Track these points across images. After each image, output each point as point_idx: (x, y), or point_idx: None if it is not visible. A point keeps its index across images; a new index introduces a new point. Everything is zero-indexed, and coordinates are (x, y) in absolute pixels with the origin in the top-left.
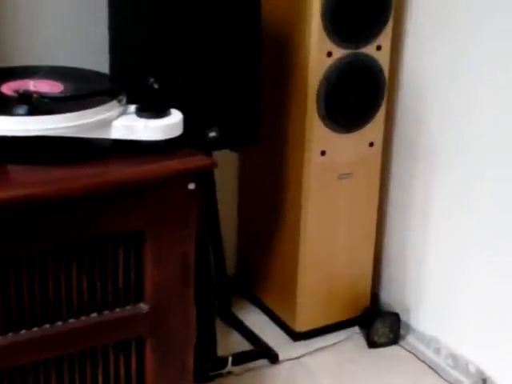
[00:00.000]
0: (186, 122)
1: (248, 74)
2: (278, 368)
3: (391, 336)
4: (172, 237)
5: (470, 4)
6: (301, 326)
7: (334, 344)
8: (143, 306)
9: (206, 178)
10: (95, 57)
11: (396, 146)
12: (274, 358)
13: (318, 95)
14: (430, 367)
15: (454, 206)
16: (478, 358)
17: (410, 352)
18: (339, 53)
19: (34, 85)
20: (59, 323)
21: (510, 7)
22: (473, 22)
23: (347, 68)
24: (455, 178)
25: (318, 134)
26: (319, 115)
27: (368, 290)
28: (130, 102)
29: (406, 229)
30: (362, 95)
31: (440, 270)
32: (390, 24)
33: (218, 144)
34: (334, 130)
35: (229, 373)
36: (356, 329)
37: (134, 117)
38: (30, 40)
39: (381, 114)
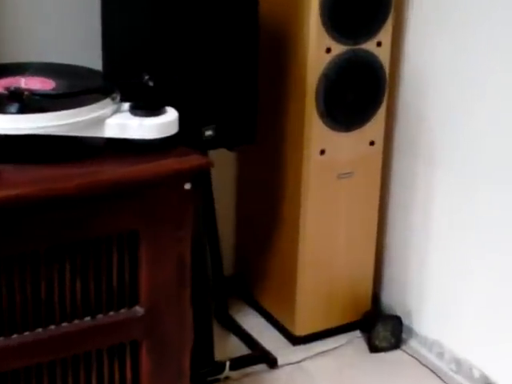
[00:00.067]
0: (182, 120)
1: (245, 70)
2: (277, 373)
3: (393, 340)
4: (168, 237)
5: None
6: (300, 330)
7: (335, 348)
8: (138, 309)
9: (202, 177)
10: (88, 53)
11: (397, 144)
12: (272, 363)
13: (316, 92)
14: (432, 372)
15: (456, 204)
16: (483, 362)
17: (413, 356)
18: (338, 49)
19: (25, 82)
20: (52, 327)
21: (511, 2)
22: (474, 17)
23: (346, 64)
24: (457, 175)
25: (316, 133)
26: (318, 113)
27: (369, 292)
28: (124, 99)
29: (407, 228)
30: (361, 92)
31: (443, 269)
32: (391, 20)
33: (214, 143)
34: (334, 128)
35: (226, 378)
36: (357, 333)
37: (128, 115)
38: (21, 37)
39: (381, 112)
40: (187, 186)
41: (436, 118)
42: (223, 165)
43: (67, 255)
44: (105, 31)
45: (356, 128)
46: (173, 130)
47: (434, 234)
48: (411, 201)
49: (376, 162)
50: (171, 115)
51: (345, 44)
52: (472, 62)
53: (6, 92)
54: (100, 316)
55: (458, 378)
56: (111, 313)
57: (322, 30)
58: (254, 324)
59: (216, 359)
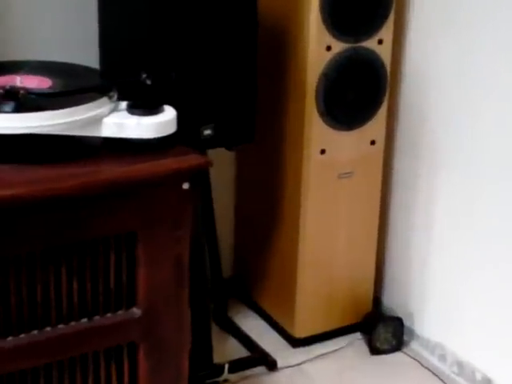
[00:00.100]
0: (180, 119)
1: (244, 68)
2: (276, 375)
3: (394, 342)
4: (166, 238)
5: None
6: (300, 332)
7: (335, 350)
8: (136, 311)
9: (200, 177)
10: (85, 51)
11: (398, 144)
12: (272, 365)
13: (316, 91)
14: (434, 374)
15: (458, 205)
16: (485, 365)
17: (414, 359)
18: (339, 47)
19: (20, 80)
20: (48, 329)
21: None
22: (478, 16)
23: (347, 62)
24: (459, 176)
25: (317, 132)
26: (318, 112)
27: (370, 293)
28: (121, 98)
29: (409, 229)
30: (362, 91)
31: (444, 271)
32: (392, 17)
33: (213, 142)
34: (334, 127)
35: (225, 381)
36: (357, 335)
37: (126, 114)
38: (18, 35)
39: (382, 111)
40: (186, 186)
41: (439, 119)
42: (222, 164)
43: (64, 256)
44: (102, 29)
45: (357, 127)
46: (171, 129)
47: (435, 235)
48: (413, 201)
49: (377, 161)
50: (169, 114)
51: (345, 42)
52: (475, 61)
53: (1, 91)
54: (97, 317)
55: (460, 380)
56: (108, 314)
57: (323, 27)
58: (253, 326)
59: (215, 362)
